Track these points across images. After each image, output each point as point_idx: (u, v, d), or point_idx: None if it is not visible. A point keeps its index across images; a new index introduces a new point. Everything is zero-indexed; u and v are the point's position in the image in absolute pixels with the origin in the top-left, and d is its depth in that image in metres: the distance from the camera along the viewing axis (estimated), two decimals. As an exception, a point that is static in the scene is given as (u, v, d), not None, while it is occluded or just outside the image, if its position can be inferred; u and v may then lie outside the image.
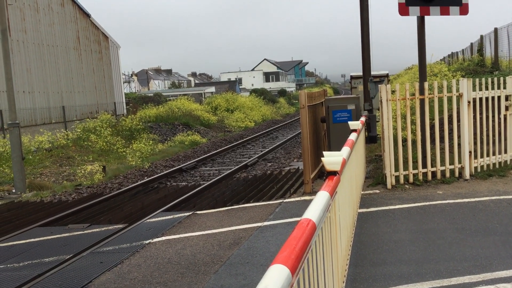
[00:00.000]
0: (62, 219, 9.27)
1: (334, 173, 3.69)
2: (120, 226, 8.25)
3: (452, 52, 35.60)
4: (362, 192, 8.38)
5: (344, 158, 4.12)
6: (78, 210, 9.86)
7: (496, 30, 18.08)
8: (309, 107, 9.41)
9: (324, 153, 3.85)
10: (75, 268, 6.24)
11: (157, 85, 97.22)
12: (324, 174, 10.58)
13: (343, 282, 4.24)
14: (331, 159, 3.71)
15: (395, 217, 7.02)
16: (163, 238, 7.15)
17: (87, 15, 28.41)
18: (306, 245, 2.24)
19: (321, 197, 2.98)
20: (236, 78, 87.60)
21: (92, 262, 6.39)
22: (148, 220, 8.32)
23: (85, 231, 8.19)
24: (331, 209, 3.39)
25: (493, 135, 9.51)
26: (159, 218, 8.40)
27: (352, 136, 5.78)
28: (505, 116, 9.54)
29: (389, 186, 8.72)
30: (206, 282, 5.28)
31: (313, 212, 2.66)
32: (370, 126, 10.55)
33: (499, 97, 9.43)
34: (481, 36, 22.20)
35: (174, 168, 14.85)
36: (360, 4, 11.76)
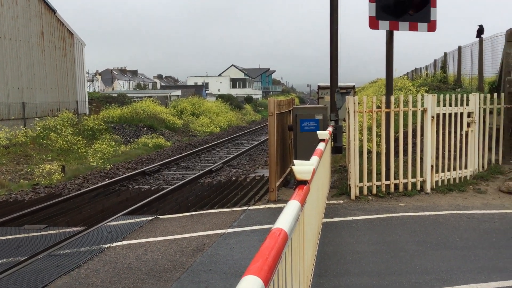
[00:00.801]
0: (18, 219, 8.93)
1: (304, 182, 3.66)
2: (79, 228, 8.00)
3: (415, 68, 36.50)
4: (327, 202, 8.42)
5: (314, 168, 4.11)
6: (34, 210, 9.52)
7: (460, 48, 18.63)
8: (277, 114, 9.41)
9: (295, 161, 3.82)
10: (30, 270, 5.99)
11: (121, 86, 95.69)
12: (288, 183, 10.60)
13: (308, 292, 4.21)
14: (302, 168, 3.68)
15: (358, 228, 7.07)
16: (124, 242, 6.96)
17: (53, 11, 27.70)
18: (279, 255, 2.20)
19: (292, 207, 2.94)
20: (203, 83, 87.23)
21: (48, 265, 6.15)
22: (108, 224, 8.10)
23: (42, 233, 7.90)
24: (300, 219, 3.35)
25: (455, 151, 9.74)
26: (119, 222, 8.19)
27: (321, 146, 5.78)
28: (466, 132, 9.79)
29: (352, 196, 8.79)
30: (167, 289, 5.16)
31: (285, 222, 2.61)
32: (337, 136, 10.64)
33: (461, 114, 9.67)
34: (445, 54, 22.84)
35: (137, 171, 14.58)
36: (330, 16, 11.88)
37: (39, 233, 7.87)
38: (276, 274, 2.30)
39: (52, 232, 7.94)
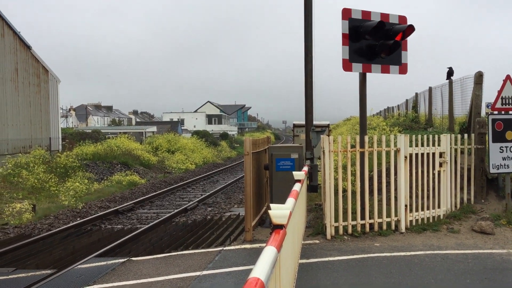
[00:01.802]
0: (-16, 262, 8.61)
1: (280, 226, 3.64)
2: (49, 271, 7.76)
3: (388, 107, 37.33)
4: (303, 242, 8.38)
5: (291, 211, 4.10)
6: (3, 252, 9.21)
7: (430, 89, 19.16)
8: (253, 154, 9.44)
9: (271, 205, 3.82)
10: (-5, 318, 5.75)
11: (96, 121, 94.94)
12: (264, 222, 10.54)
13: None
14: (278, 212, 3.67)
15: (334, 269, 7.03)
16: (95, 286, 6.76)
17: (28, 47, 27.59)
18: (255, 307, 2.17)
19: (268, 253, 2.91)
20: (178, 119, 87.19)
21: (15, 311, 5.91)
22: (79, 266, 7.87)
23: (10, 276, 7.62)
24: (276, 264, 3.32)
25: (428, 190, 9.89)
26: (91, 264, 7.97)
27: (297, 187, 5.80)
28: (439, 172, 9.98)
29: (328, 236, 8.79)
30: (140, 336, 5.00)
31: (261, 270, 2.59)
32: (312, 175, 10.70)
33: (433, 154, 9.88)
34: (416, 94, 23.45)
35: (109, 210, 14.31)
36: (305, 57, 12.14)
37: (7, 277, 7.60)
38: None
39: (21, 275, 7.68)
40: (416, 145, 9.63)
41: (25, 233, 11.44)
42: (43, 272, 7.78)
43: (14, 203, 14.96)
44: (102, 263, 8.01)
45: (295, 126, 20.85)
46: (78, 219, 13.19)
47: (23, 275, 7.69)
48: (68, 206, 15.30)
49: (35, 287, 6.84)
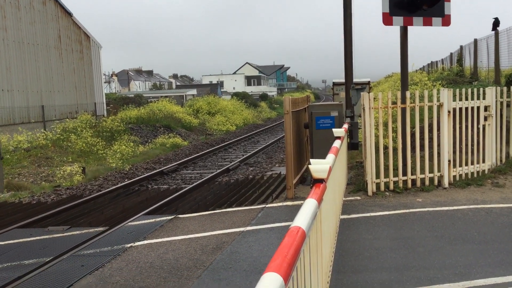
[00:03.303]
0: (42, 221, 9.15)
1: (320, 180, 3.73)
2: (101, 229, 8.18)
3: (431, 61, 36.21)
4: (344, 199, 8.47)
5: (331, 166, 4.18)
6: (57, 212, 9.74)
7: (476, 41, 18.45)
8: (293, 112, 9.48)
9: (311, 160, 3.90)
10: (55, 271, 6.17)
11: (137, 86, 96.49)
12: (305, 180, 10.66)
13: (327, 288, 4.29)
14: (318, 167, 3.75)
15: (376, 224, 7.11)
16: (145, 242, 7.12)
17: (69, 14, 28.10)
18: (297, 253, 2.28)
19: (309, 205, 3.02)
20: (218, 81, 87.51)
21: (73, 265, 6.33)
22: (129, 224, 8.27)
23: (65, 234, 8.10)
24: (317, 217, 3.43)
25: (472, 145, 9.71)
26: (140, 222, 8.35)
27: (337, 143, 5.85)
28: (483, 126, 9.75)
29: (370, 193, 8.83)
30: (189, 287, 5.28)
31: (302, 220, 2.70)
32: (352, 133, 10.67)
33: (478, 108, 9.63)
34: (461, 47, 22.63)
35: (155, 171, 14.78)
36: (344, 12, 11.90)
37: (63, 234, 8.07)
38: (295, 271, 2.38)
39: (75, 232, 8.14)
40: (460, 99, 9.41)
41: (76, 194, 12.01)
42: (96, 229, 8.22)
43: (64, 166, 15.66)
44: (151, 220, 8.38)
45: (334, 84, 20.62)
46: (126, 180, 13.70)
47: (77, 232, 8.15)
48: (116, 168, 15.88)
49: (90, 243, 7.26)
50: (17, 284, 5.78)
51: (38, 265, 6.42)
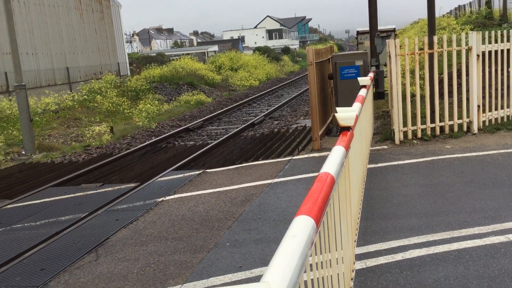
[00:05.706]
0: (75, 179, 9.41)
1: (347, 128, 3.72)
2: (132, 185, 8.39)
3: (459, 5, 34.95)
4: (371, 148, 8.44)
5: (357, 114, 4.15)
6: (89, 170, 10.00)
7: (505, -19, 17.68)
8: (317, 64, 9.36)
9: (338, 108, 3.88)
10: (91, 225, 6.40)
11: (159, 45, 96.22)
12: (331, 131, 10.63)
13: (356, 234, 4.35)
14: (344, 114, 3.74)
15: (404, 172, 7.10)
16: (175, 196, 7.28)
17: (87, -26, 27.84)
18: (327, 197, 2.31)
19: (337, 152, 3.03)
20: (239, 36, 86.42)
21: (107, 219, 6.54)
22: (159, 179, 8.45)
23: (98, 190, 8.34)
24: (345, 164, 3.44)
25: (502, 89, 9.47)
26: (170, 177, 8.52)
27: (362, 92, 5.78)
28: (514, 69, 9.46)
29: (397, 141, 8.77)
30: (220, 237, 5.42)
31: (331, 166, 2.72)
32: (378, 82, 10.51)
33: (508, 50, 9.33)
34: (490, -12, 21.70)
35: (181, 128, 14.92)
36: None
37: (96, 191, 8.31)
38: (326, 216, 2.42)
39: (108, 189, 8.36)
40: (490, 42, 9.11)
41: (106, 152, 12.27)
42: (127, 185, 8.43)
43: (93, 126, 15.93)
44: (180, 175, 8.54)
45: (358, 33, 20.16)
46: (153, 137, 13.89)
47: (110, 189, 8.37)
48: (142, 126, 16.08)
49: (122, 198, 7.47)
50: (55, 239, 6.02)
51: (74, 220, 6.66)
